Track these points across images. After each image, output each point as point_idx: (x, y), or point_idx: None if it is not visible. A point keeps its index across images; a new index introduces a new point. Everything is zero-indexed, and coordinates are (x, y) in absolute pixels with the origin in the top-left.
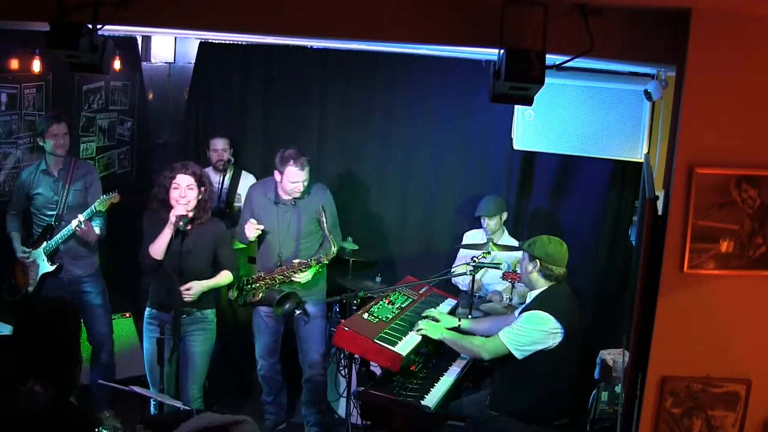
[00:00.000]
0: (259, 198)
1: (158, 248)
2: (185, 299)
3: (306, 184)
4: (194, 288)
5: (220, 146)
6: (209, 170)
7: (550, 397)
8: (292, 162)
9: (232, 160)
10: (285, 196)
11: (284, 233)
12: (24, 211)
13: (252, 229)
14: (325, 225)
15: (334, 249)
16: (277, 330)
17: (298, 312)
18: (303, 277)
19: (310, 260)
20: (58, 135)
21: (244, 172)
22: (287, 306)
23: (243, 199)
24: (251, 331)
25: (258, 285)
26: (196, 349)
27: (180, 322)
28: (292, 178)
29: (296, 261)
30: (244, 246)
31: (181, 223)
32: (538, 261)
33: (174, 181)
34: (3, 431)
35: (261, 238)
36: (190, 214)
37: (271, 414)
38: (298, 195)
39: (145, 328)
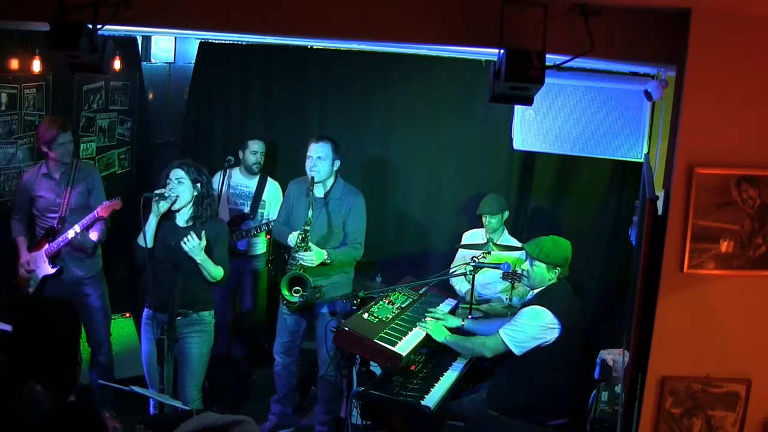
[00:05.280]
0: (295, 190)
1: (145, 234)
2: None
3: (323, 164)
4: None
5: (258, 149)
6: (238, 171)
7: (548, 393)
8: (312, 139)
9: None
10: (317, 192)
11: (310, 227)
12: (28, 214)
13: (293, 239)
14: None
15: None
16: (296, 329)
17: (317, 297)
18: (307, 257)
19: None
20: (65, 143)
21: (269, 179)
22: (299, 295)
23: (266, 206)
24: (257, 331)
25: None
26: (193, 350)
27: (175, 324)
28: (308, 152)
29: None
30: None
31: (157, 199)
32: (533, 259)
33: (168, 176)
34: (6, 430)
35: (290, 228)
36: (170, 196)
37: (274, 415)
38: (315, 174)
39: (142, 328)
